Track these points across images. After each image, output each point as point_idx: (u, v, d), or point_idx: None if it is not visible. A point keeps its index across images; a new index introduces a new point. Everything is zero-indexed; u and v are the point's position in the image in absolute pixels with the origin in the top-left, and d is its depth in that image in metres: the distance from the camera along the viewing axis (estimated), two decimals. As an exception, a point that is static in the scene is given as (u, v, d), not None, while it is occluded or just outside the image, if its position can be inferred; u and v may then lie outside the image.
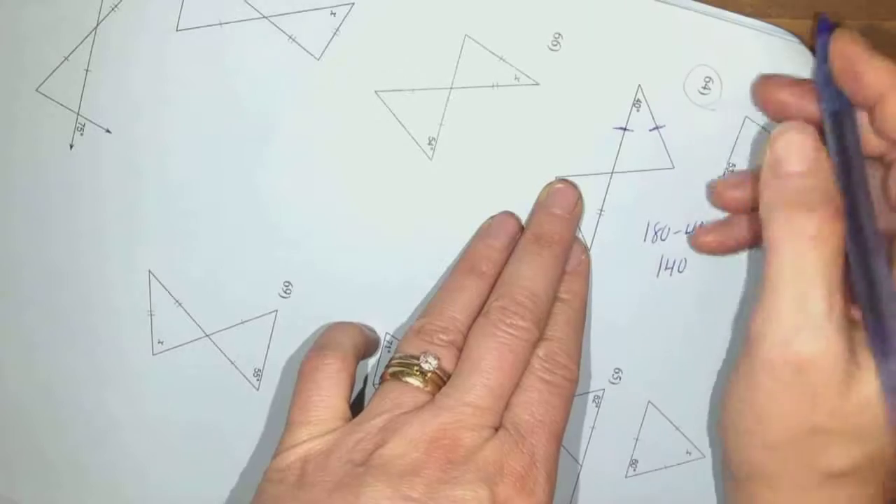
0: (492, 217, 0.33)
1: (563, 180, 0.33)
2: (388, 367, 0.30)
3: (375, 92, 0.33)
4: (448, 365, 0.30)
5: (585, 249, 0.33)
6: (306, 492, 0.28)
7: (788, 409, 0.27)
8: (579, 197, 0.33)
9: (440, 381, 0.30)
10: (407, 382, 0.29)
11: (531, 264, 0.31)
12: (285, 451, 0.29)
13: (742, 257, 0.33)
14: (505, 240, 0.32)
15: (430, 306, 0.31)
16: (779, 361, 0.26)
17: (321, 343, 0.32)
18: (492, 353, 0.29)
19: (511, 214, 0.33)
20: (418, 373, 0.29)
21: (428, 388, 0.29)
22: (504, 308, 0.30)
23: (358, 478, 0.27)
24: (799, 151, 0.27)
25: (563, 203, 0.32)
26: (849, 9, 0.32)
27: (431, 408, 0.29)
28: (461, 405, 0.28)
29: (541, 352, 0.30)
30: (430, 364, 0.30)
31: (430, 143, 0.33)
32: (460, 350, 0.30)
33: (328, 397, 0.30)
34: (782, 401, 0.27)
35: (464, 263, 0.32)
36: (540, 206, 0.33)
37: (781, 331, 0.26)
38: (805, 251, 0.26)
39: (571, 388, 0.30)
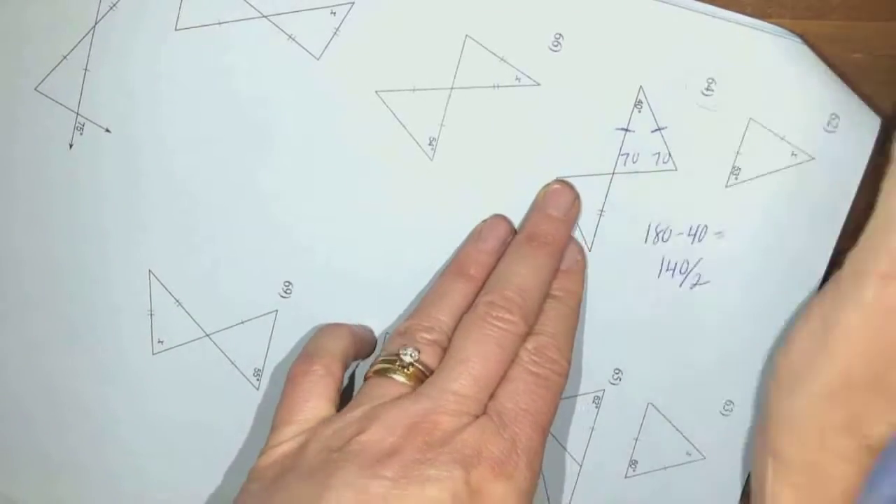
0: (484, 221, 0.33)
1: (561, 181, 0.33)
2: (371, 366, 0.30)
3: (376, 92, 0.33)
4: (430, 360, 0.30)
5: (581, 250, 0.33)
6: (281, 480, 0.27)
7: (866, 355, 0.23)
8: (576, 198, 0.32)
9: (423, 375, 0.29)
10: (390, 378, 0.29)
11: (522, 263, 0.31)
12: (268, 450, 0.29)
13: (742, 260, 0.33)
14: (495, 243, 0.32)
15: (416, 309, 0.31)
16: (876, 301, 0.23)
17: (308, 350, 0.32)
18: (477, 345, 0.29)
19: (503, 218, 0.33)
20: (400, 368, 0.29)
21: (410, 384, 0.29)
22: (492, 303, 0.30)
23: (332, 462, 0.27)
24: None
25: (558, 204, 0.32)
26: (849, 9, 0.32)
27: (412, 395, 0.28)
28: (444, 392, 0.28)
29: (530, 345, 0.30)
30: (409, 356, 0.29)
31: (430, 144, 0.33)
32: (444, 350, 0.30)
33: (314, 399, 0.30)
34: (860, 344, 0.23)
35: (452, 267, 0.32)
36: (536, 207, 0.33)
37: (887, 265, 0.23)
38: None
39: (560, 381, 0.30)
